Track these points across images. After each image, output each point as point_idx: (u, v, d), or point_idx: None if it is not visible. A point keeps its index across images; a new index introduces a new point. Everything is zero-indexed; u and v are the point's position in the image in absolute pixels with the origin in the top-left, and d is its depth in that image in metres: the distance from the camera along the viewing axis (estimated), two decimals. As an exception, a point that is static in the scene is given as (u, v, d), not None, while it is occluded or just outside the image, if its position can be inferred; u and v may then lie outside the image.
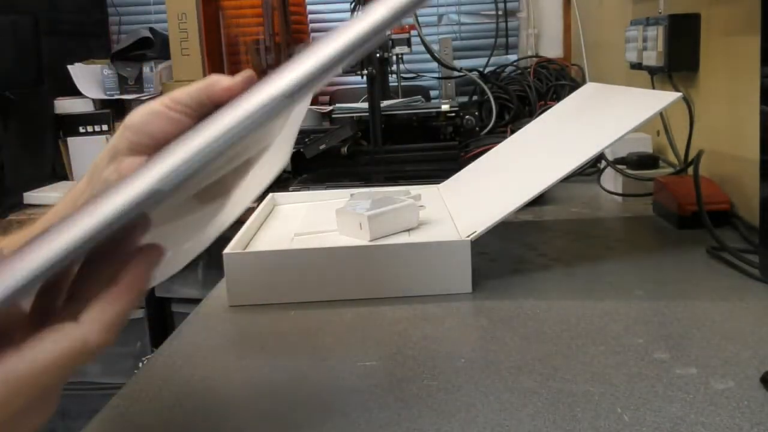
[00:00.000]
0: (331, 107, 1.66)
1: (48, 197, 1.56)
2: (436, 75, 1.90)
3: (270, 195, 0.99)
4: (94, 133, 1.73)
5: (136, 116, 0.51)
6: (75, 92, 1.75)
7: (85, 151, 1.72)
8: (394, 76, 1.67)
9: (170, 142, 0.48)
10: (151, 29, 1.85)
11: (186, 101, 0.51)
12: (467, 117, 1.35)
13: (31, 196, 1.57)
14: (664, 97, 0.77)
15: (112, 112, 1.75)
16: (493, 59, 1.93)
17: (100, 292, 0.35)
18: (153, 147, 0.50)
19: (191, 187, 0.39)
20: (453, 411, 0.49)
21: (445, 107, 1.35)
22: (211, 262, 1.48)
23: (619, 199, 1.09)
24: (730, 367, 0.53)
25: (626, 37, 1.27)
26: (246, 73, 0.50)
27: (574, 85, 1.67)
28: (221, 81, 0.50)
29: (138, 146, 0.51)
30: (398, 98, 1.56)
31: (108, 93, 1.77)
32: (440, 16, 2.16)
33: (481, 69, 1.79)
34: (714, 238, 0.80)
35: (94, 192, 0.50)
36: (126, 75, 1.77)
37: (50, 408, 0.35)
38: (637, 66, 1.23)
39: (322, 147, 1.26)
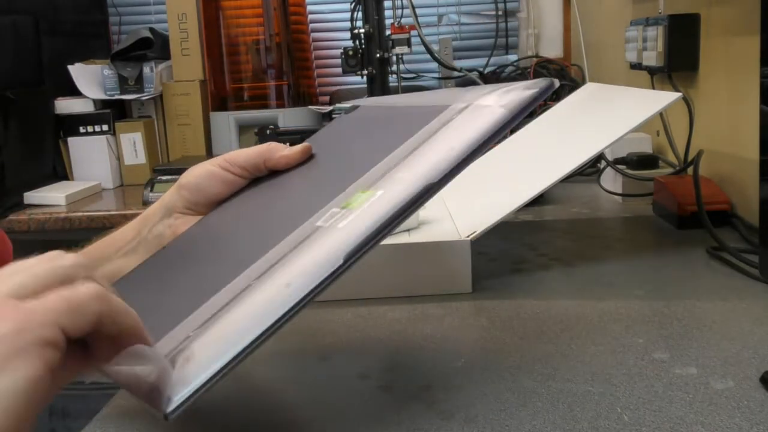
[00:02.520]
0: (331, 107, 1.66)
1: (48, 197, 1.56)
2: (436, 75, 1.90)
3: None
4: (94, 133, 1.73)
5: (191, 176, 0.55)
6: (75, 92, 1.75)
7: (85, 151, 1.72)
8: (394, 76, 1.67)
9: (223, 202, 0.54)
10: (151, 29, 1.85)
11: (243, 164, 0.54)
12: (467, 117, 1.35)
13: (32, 196, 1.57)
14: (664, 97, 0.77)
15: (112, 112, 1.75)
16: (493, 59, 1.94)
17: None
18: (206, 206, 0.55)
19: None
20: (453, 411, 0.49)
21: (445, 107, 1.35)
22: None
23: (619, 199, 1.09)
24: (730, 367, 0.53)
25: (626, 37, 1.27)
26: (303, 146, 0.54)
27: (574, 85, 1.67)
28: (280, 149, 0.54)
29: (194, 205, 0.54)
30: (398, 98, 1.56)
31: (108, 93, 1.77)
32: (440, 16, 2.15)
33: (481, 69, 1.79)
34: (714, 238, 0.80)
35: (146, 243, 0.54)
36: (126, 75, 1.77)
37: None
38: (637, 66, 1.23)
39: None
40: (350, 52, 1.33)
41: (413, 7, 1.53)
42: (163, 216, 0.55)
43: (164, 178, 1.49)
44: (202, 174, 0.54)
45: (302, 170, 0.54)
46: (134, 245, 0.55)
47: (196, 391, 0.34)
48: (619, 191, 1.09)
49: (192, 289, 0.44)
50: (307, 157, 0.55)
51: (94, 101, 1.75)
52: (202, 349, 0.36)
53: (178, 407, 0.34)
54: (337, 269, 0.35)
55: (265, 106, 1.86)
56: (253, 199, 0.54)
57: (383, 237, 0.36)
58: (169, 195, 0.55)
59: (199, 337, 0.37)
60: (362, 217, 0.37)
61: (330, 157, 0.54)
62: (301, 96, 1.94)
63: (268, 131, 1.35)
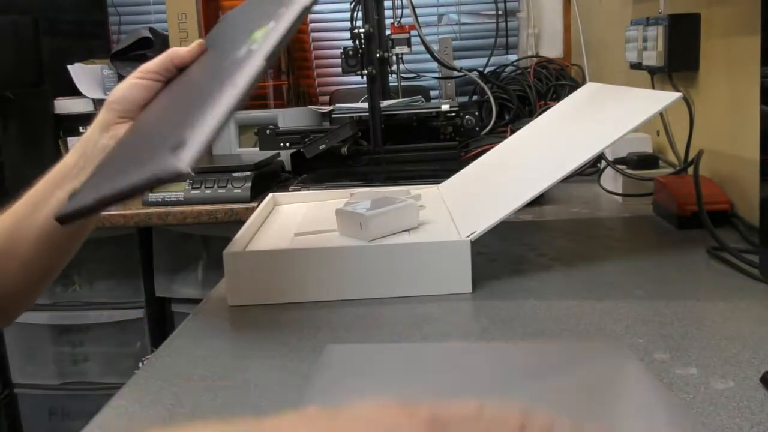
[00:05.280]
0: (331, 107, 1.66)
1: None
2: (436, 75, 1.90)
3: (270, 195, 0.99)
4: (94, 133, 1.73)
5: (118, 93, 0.65)
6: (75, 92, 1.75)
7: (85, 151, 1.72)
8: (394, 76, 1.67)
9: (148, 105, 0.65)
10: (151, 29, 1.84)
11: (156, 69, 0.65)
12: (467, 117, 1.35)
13: (31, 196, 1.56)
14: (664, 97, 0.77)
15: (112, 112, 1.74)
16: (493, 59, 1.93)
17: None
18: (135, 111, 0.64)
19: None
20: (453, 411, 0.49)
21: (445, 107, 1.35)
22: (211, 262, 1.48)
23: (619, 199, 1.09)
24: (730, 367, 0.53)
25: (626, 37, 1.27)
26: (197, 41, 0.66)
27: (574, 85, 1.67)
28: (181, 49, 0.66)
29: (126, 113, 0.64)
30: (398, 98, 1.56)
31: (108, 93, 1.77)
32: (440, 16, 2.15)
33: (481, 69, 1.79)
34: (714, 238, 0.80)
35: (95, 160, 0.62)
36: (126, 75, 1.75)
37: None
38: (637, 66, 1.23)
39: (322, 147, 1.26)
40: (350, 52, 1.32)
41: (413, 7, 1.53)
42: (101, 132, 0.63)
43: (164, 177, 1.49)
44: (125, 87, 0.65)
45: (203, 58, 0.66)
46: (82, 165, 0.64)
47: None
48: (619, 191, 1.09)
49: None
50: (203, 50, 0.67)
51: (94, 101, 1.75)
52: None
53: None
54: (260, 70, 0.51)
55: (265, 106, 1.86)
56: (178, 85, 0.65)
57: (285, 41, 0.53)
58: (101, 115, 0.65)
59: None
60: (266, 38, 0.53)
61: (223, 37, 0.67)
62: (301, 96, 1.94)
63: (268, 131, 1.35)
